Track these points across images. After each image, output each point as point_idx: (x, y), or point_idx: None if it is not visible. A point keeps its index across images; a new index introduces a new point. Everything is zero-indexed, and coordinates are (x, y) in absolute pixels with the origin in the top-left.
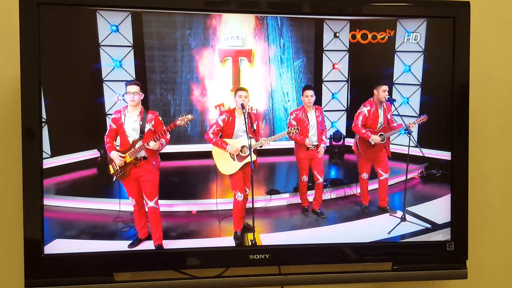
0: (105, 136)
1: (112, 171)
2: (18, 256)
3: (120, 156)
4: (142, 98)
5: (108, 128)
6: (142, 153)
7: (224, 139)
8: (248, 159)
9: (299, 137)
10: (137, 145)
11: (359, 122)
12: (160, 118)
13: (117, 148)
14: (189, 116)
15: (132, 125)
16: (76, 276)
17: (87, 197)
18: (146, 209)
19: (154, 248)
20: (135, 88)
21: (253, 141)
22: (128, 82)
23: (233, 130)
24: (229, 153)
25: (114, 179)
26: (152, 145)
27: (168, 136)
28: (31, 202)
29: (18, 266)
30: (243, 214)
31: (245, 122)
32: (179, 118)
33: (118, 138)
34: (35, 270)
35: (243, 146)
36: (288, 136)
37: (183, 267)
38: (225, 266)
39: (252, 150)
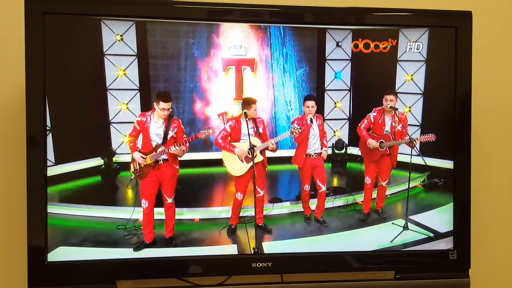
0: (128, 135)
1: (132, 170)
2: (21, 263)
3: (141, 156)
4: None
5: (132, 128)
6: (164, 156)
7: (232, 143)
8: (256, 160)
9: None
10: (159, 150)
11: (363, 125)
12: (183, 126)
13: (139, 149)
14: (210, 131)
15: (156, 131)
16: (79, 284)
17: (91, 205)
18: (163, 206)
19: (165, 239)
20: (169, 105)
21: (259, 142)
22: (163, 98)
23: (239, 135)
24: (237, 155)
25: (132, 178)
26: (174, 150)
27: (188, 145)
28: (35, 209)
29: (21, 273)
30: (240, 211)
31: (252, 126)
32: (201, 132)
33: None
34: (38, 278)
35: (250, 148)
36: (292, 135)
37: (186, 275)
38: (228, 274)
39: (259, 151)
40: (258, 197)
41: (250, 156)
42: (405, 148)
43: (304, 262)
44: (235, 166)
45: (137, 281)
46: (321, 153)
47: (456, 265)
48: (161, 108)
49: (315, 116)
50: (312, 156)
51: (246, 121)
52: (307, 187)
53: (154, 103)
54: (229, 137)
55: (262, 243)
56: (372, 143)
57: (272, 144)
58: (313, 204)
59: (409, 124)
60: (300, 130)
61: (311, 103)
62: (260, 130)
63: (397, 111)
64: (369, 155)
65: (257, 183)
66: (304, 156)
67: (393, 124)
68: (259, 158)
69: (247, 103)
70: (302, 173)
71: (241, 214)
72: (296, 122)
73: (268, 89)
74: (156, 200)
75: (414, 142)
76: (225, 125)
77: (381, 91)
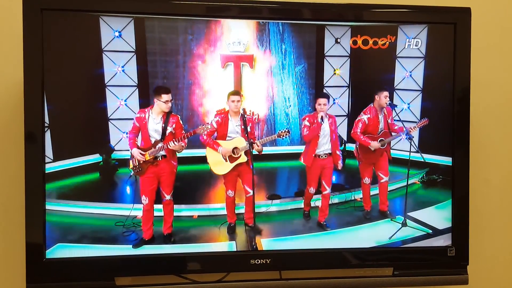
0: (128, 132)
1: (131, 166)
2: (19, 260)
3: (140, 153)
4: None
5: (132, 125)
6: (162, 153)
7: (217, 141)
8: (239, 160)
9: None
10: (157, 146)
11: (358, 129)
12: (181, 122)
13: (138, 145)
14: (209, 126)
15: (154, 127)
16: (77, 281)
17: (89, 201)
18: (161, 203)
19: (164, 236)
20: (171, 96)
21: (244, 142)
22: (164, 90)
23: (226, 132)
24: (221, 154)
25: (131, 174)
26: (173, 145)
27: (186, 141)
28: (33, 206)
29: (20, 270)
30: (234, 207)
31: (240, 124)
32: (199, 127)
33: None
34: (37, 275)
35: (235, 148)
36: (279, 138)
37: (184, 272)
38: (226, 271)
39: (243, 152)
40: (247, 197)
41: (234, 156)
42: (404, 144)
43: (303, 258)
44: (217, 164)
45: (135, 278)
46: (330, 153)
47: (454, 262)
48: (165, 101)
49: (327, 115)
50: (322, 156)
51: (242, 115)
52: (312, 190)
53: (155, 99)
54: (215, 133)
55: (261, 240)
56: (376, 145)
57: (258, 146)
58: (312, 201)
59: (408, 121)
60: (289, 134)
61: (323, 100)
62: (248, 129)
63: (395, 108)
64: (370, 156)
65: (244, 182)
66: (313, 155)
67: (388, 121)
68: (243, 158)
69: (228, 95)
70: (309, 173)
71: (239, 211)
72: (307, 119)
73: (267, 86)
74: (156, 197)
75: (411, 130)
76: (211, 121)
77: (380, 87)
